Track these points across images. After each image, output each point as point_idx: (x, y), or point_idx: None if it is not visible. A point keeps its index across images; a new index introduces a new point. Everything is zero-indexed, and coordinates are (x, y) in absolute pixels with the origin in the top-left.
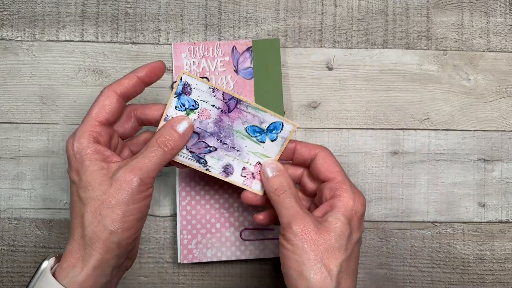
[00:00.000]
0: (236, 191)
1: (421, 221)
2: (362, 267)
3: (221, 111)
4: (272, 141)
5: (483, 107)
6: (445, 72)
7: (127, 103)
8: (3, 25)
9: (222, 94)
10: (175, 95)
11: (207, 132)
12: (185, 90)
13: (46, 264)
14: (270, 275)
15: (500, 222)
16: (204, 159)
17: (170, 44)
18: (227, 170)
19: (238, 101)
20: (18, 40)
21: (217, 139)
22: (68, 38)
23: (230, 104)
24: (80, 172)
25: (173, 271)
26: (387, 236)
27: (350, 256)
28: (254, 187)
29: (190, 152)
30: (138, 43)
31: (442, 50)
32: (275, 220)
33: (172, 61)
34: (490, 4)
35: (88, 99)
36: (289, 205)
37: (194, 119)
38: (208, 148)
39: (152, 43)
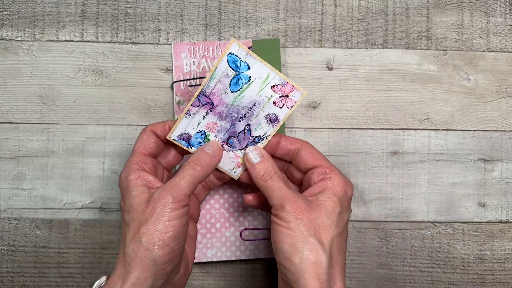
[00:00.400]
0: (236, 191)
1: (421, 221)
2: (362, 267)
3: (211, 110)
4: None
5: (483, 107)
6: (445, 72)
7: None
8: (3, 25)
9: (193, 106)
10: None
11: (229, 128)
12: (184, 137)
13: (97, 283)
14: (270, 275)
15: (500, 222)
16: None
17: (170, 44)
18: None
19: (201, 92)
20: (18, 40)
21: (235, 120)
22: (68, 38)
23: (204, 101)
24: (125, 198)
25: None
26: (387, 236)
27: (341, 233)
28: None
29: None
30: (138, 43)
31: (442, 50)
32: (264, 204)
33: (172, 61)
34: (490, 4)
35: (88, 99)
36: (278, 188)
37: (215, 138)
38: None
39: (152, 43)
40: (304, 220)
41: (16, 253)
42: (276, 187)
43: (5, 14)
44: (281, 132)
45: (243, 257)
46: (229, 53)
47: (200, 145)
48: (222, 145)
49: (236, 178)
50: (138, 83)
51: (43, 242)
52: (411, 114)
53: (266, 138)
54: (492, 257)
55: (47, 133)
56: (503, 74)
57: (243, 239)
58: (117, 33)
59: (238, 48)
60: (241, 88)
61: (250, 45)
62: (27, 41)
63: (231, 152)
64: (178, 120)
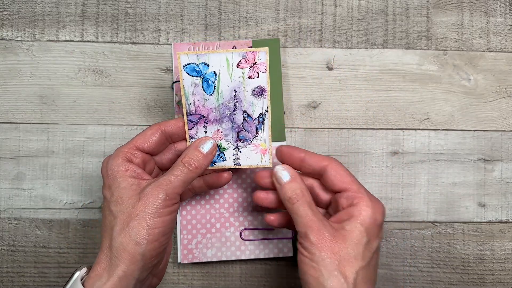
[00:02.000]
0: (236, 191)
1: (421, 221)
2: None
3: (206, 122)
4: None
5: (483, 107)
6: (445, 72)
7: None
8: (3, 25)
9: (190, 129)
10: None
11: (232, 126)
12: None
13: (77, 274)
14: (270, 275)
15: (500, 222)
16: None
17: (170, 44)
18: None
19: (187, 114)
20: (18, 40)
21: (230, 115)
22: (68, 38)
23: (195, 118)
24: (112, 188)
25: (173, 271)
26: (387, 236)
27: (368, 264)
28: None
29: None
30: (138, 43)
31: (442, 50)
32: (286, 224)
33: (172, 61)
34: (490, 4)
35: (88, 99)
36: (304, 214)
37: (227, 143)
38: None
39: (152, 43)
40: (328, 253)
41: (16, 253)
42: (302, 212)
43: (5, 14)
44: (281, 132)
45: (243, 257)
46: (184, 66)
47: (221, 157)
48: (237, 143)
49: (270, 165)
50: (138, 83)
51: (43, 242)
52: (411, 114)
53: (267, 111)
54: (492, 257)
55: (47, 133)
56: (503, 74)
57: (243, 239)
58: (117, 33)
59: (187, 56)
60: (214, 86)
61: (250, 45)
62: (27, 41)
63: (249, 146)
64: None
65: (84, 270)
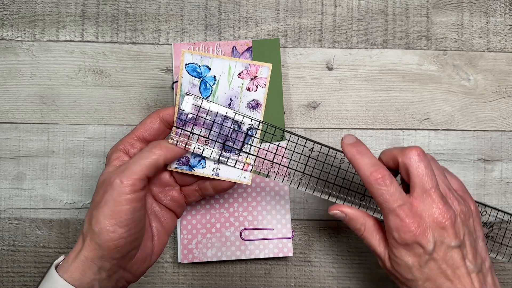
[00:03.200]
0: (236, 191)
1: None
2: (362, 267)
3: (195, 125)
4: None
5: (483, 107)
6: (445, 72)
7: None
8: (3, 25)
9: (178, 128)
10: None
11: (219, 133)
12: (183, 162)
13: (55, 263)
14: (270, 275)
15: (500, 222)
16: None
17: (170, 44)
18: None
19: (179, 113)
20: (18, 40)
21: (220, 123)
22: (68, 38)
23: (184, 118)
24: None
25: (173, 271)
26: None
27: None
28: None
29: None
30: (138, 43)
31: (442, 50)
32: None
33: (172, 61)
34: (490, 4)
35: (88, 99)
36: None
37: (211, 151)
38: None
39: (152, 43)
40: None
41: (16, 253)
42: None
43: (5, 14)
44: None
45: (243, 257)
46: (186, 64)
47: (201, 163)
48: (221, 153)
49: (249, 183)
50: (138, 83)
51: (43, 242)
52: (411, 114)
53: (258, 127)
54: (492, 257)
55: (47, 133)
56: (503, 74)
57: (243, 239)
58: (117, 33)
59: (191, 56)
60: (212, 90)
61: (250, 45)
62: (27, 41)
63: (232, 158)
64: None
65: (61, 257)
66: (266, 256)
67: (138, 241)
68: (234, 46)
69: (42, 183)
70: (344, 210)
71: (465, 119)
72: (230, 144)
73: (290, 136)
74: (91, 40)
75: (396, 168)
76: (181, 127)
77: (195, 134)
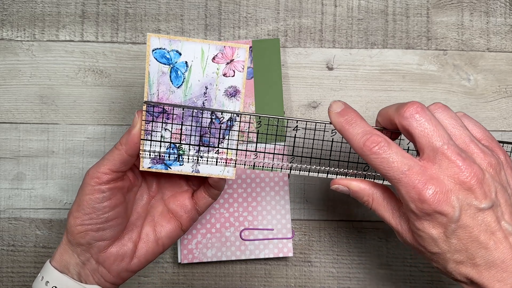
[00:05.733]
0: (236, 191)
1: None
2: (362, 267)
3: (167, 118)
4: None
5: (483, 107)
6: (445, 72)
7: None
8: (3, 25)
9: (147, 123)
10: None
11: (196, 126)
12: (157, 161)
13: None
14: (270, 275)
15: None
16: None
17: None
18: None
19: (147, 104)
20: (18, 40)
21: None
22: (68, 38)
23: (153, 112)
24: None
25: (173, 271)
26: (387, 236)
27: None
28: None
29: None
30: (138, 43)
31: (442, 50)
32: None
33: None
34: (490, 4)
35: (88, 99)
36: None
37: (189, 146)
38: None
39: None
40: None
41: (16, 253)
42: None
43: (5, 14)
44: (281, 132)
45: (243, 257)
46: (153, 50)
47: (177, 161)
48: (199, 147)
49: (233, 177)
50: (138, 83)
51: (43, 242)
52: None
53: (238, 117)
54: None
55: (47, 133)
56: (503, 74)
57: (243, 239)
58: (117, 33)
59: (158, 40)
60: (184, 78)
61: (250, 45)
62: (27, 41)
63: (212, 152)
64: (140, 150)
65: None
66: (266, 256)
67: (107, 233)
68: None
69: (42, 183)
70: (346, 183)
71: None
72: (209, 138)
73: (269, 120)
74: (91, 40)
75: (396, 129)
76: (151, 120)
77: (167, 130)
